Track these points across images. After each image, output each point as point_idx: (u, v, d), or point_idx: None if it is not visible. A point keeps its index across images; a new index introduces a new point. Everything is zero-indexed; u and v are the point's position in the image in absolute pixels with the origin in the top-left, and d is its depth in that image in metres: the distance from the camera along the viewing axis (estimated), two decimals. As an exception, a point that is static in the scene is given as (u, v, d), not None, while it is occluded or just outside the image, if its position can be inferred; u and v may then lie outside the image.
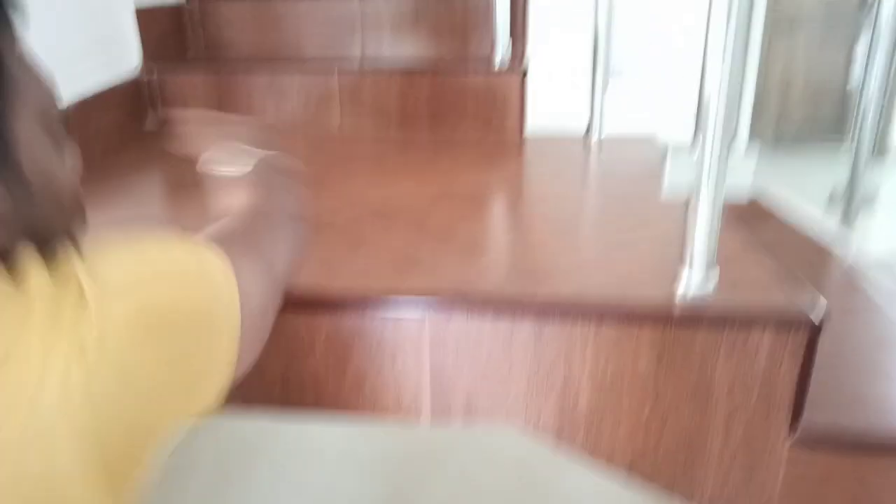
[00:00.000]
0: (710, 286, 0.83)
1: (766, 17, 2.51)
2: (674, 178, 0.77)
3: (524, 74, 1.63)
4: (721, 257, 0.84)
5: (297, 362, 0.90)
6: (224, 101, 1.69)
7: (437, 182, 1.30)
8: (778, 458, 0.85)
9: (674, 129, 1.55)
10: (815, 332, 0.81)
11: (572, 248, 1.00)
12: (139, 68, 1.68)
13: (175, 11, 1.85)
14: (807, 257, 1.29)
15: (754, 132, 0.81)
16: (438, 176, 1.35)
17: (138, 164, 1.45)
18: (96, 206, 1.19)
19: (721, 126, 0.76)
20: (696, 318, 0.82)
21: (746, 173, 0.76)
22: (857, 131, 1.54)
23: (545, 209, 1.20)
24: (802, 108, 4.21)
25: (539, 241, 1.03)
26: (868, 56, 1.54)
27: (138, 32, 1.68)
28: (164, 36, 1.80)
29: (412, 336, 0.86)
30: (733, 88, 0.75)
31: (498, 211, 1.23)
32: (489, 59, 1.70)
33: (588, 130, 1.60)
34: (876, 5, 1.47)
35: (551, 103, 1.74)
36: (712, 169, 0.75)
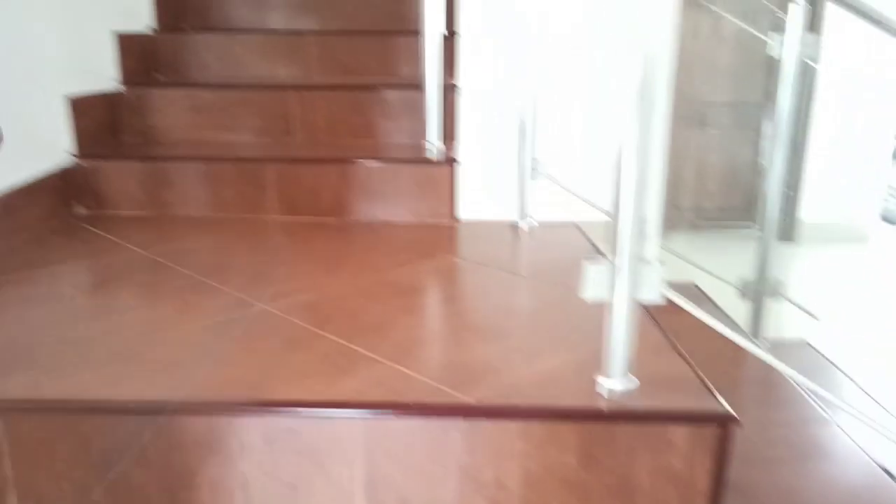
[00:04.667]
0: (631, 386, 0.88)
1: (677, 111, 2.70)
2: (592, 280, 0.82)
3: (454, 163, 1.70)
4: (639, 358, 0.89)
5: (228, 467, 0.89)
6: (156, 188, 1.69)
7: (372, 271, 1.33)
8: (699, 552, 0.88)
9: (597, 216, 1.63)
10: (728, 428, 0.86)
11: (502, 347, 1.04)
12: (70, 157, 1.67)
13: (109, 98, 1.86)
14: (720, 351, 1.36)
15: (668, 222, 0.87)
16: (373, 264, 1.38)
17: (65, 252, 1.43)
18: (20, 296, 1.17)
19: (631, 234, 0.81)
20: (618, 418, 0.86)
21: (657, 274, 0.81)
22: (762, 220, 1.65)
23: (475, 304, 1.24)
24: (715, 197, 4.48)
25: (469, 339, 1.06)
26: (770, 148, 1.67)
27: (72, 120, 1.68)
28: (97, 123, 1.80)
29: (346, 439, 0.87)
30: (642, 186, 0.81)
31: (430, 305, 1.26)
32: (422, 148, 1.76)
33: (517, 217, 1.67)
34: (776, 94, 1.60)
35: (481, 191, 1.81)
36: (625, 281, 0.80)
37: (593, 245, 1.56)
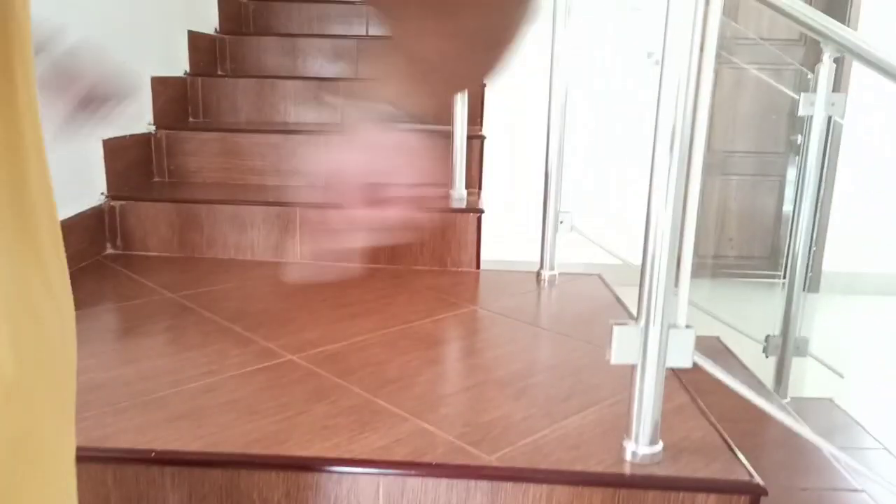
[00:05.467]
0: (657, 451, 0.87)
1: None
2: (620, 344, 0.81)
3: (480, 212, 1.71)
4: (664, 420, 0.88)
5: (248, 521, 0.88)
6: (185, 230, 1.71)
7: (397, 320, 1.33)
8: None
9: (622, 266, 1.63)
10: (756, 496, 0.85)
11: (524, 403, 1.03)
12: (103, 198, 1.70)
13: (142, 140, 1.91)
14: (744, 408, 1.34)
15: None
16: (398, 313, 1.38)
17: (96, 294, 1.45)
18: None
19: (663, 298, 0.81)
20: (644, 484, 0.84)
21: (689, 339, 0.81)
22: (788, 272, 1.64)
23: (498, 357, 1.23)
24: (737, 246, 4.45)
25: (492, 394, 1.06)
26: (796, 198, 1.66)
27: (105, 162, 1.71)
28: (130, 165, 1.84)
29: (368, 497, 0.86)
30: (674, 240, 0.81)
31: (453, 358, 1.26)
32: (447, 198, 1.78)
33: (540, 267, 1.67)
34: (802, 148, 1.60)
35: (505, 239, 1.82)
36: (656, 346, 0.80)
37: (616, 297, 1.55)
